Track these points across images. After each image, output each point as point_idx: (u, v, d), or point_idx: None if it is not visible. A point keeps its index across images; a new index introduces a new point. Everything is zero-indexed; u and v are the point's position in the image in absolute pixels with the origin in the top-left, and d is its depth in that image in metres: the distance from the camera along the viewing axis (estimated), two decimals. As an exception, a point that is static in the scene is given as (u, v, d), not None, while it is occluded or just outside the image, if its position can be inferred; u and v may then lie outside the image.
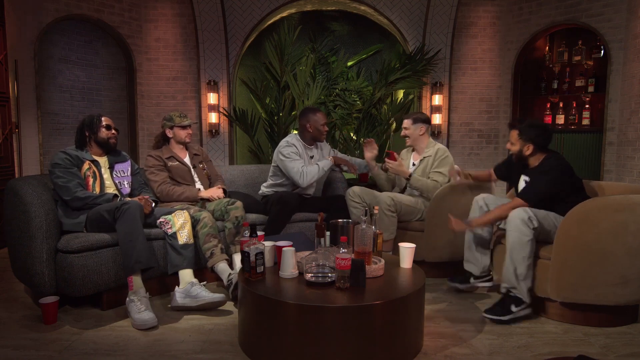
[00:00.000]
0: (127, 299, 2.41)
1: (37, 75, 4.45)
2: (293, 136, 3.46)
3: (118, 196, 2.70)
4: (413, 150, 3.41)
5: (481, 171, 3.09)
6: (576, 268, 2.33)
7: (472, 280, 2.83)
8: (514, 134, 2.61)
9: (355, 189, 3.24)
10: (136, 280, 2.43)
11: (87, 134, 2.77)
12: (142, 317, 2.31)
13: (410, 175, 3.17)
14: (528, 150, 2.57)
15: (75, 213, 2.59)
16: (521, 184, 2.71)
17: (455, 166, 3.08)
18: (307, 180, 3.21)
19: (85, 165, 2.70)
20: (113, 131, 2.83)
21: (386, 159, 3.26)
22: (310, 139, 3.40)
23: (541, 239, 2.49)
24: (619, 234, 2.28)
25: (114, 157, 2.88)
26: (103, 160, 2.83)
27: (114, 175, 2.83)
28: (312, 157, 3.42)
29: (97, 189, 2.70)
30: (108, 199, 2.62)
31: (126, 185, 2.88)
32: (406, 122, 3.33)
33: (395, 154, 3.28)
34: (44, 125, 4.64)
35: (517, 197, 2.55)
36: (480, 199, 2.77)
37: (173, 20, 5.42)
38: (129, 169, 2.94)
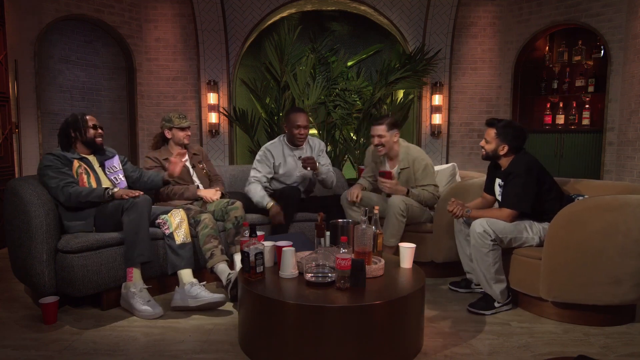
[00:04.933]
0: (124, 289, 2.48)
1: (37, 75, 4.45)
2: (278, 138, 3.46)
3: (108, 189, 2.59)
4: (385, 157, 3.21)
5: (478, 201, 2.90)
6: (567, 268, 2.34)
7: (473, 286, 2.87)
8: (491, 132, 2.62)
9: (404, 199, 3.03)
10: (136, 272, 2.50)
11: (73, 135, 2.69)
12: (148, 309, 2.41)
13: (408, 192, 3.04)
14: (503, 150, 2.60)
15: (82, 214, 2.58)
16: (496, 188, 2.73)
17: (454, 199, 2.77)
18: (247, 193, 3.28)
19: (75, 164, 2.65)
20: (99, 130, 2.77)
21: (380, 179, 3.03)
22: (289, 140, 3.38)
23: (515, 245, 2.55)
24: (609, 234, 2.28)
25: (102, 155, 2.83)
26: (92, 159, 2.77)
27: (107, 173, 2.80)
28: (299, 158, 3.35)
29: (94, 184, 2.66)
30: (99, 195, 2.55)
31: (122, 179, 2.85)
32: (380, 129, 3.05)
33: (392, 172, 3.06)
34: (44, 125, 4.64)
35: (504, 207, 2.55)
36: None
37: (173, 20, 5.42)
38: (119, 162, 2.90)
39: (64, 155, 2.64)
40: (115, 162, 2.89)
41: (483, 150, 2.68)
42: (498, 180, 2.71)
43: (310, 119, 5.31)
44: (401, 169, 3.14)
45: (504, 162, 2.64)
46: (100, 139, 2.77)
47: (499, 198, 2.69)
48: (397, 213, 2.92)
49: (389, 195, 3.13)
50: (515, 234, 2.51)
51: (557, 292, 2.38)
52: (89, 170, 2.69)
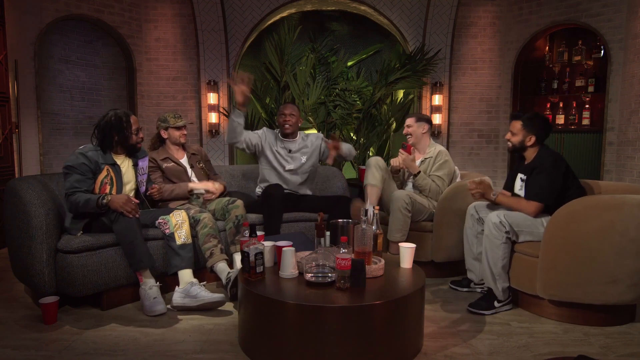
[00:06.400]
0: (140, 288, 2.55)
1: (37, 75, 4.45)
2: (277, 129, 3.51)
3: (102, 197, 2.49)
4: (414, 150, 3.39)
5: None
6: (564, 266, 2.35)
7: (473, 285, 2.88)
8: (517, 124, 2.64)
9: (409, 193, 3.07)
10: (144, 274, 2.53)
11: (115, 138, 2.66)
12: (151, 305, 2.46)
13: (418, 172, 3.15)
14: (530, 141, 2.62)
15: (80, 216, 2.56)
16: (517, 182, 2.73)
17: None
18: (228, 134, 3.20)
19: (104, 173, 2.59)
20: (141, 135, 2.77)
21: (400, 150, 3.20)
22: (281, 133, 3.42)
23: (527, 239, 2.54)
24: (607, 233, 2.29)
25: (137, 155, 2.82)
26: (125, 161, 2.74)
27: (138, 174, 2.78)
28: (290, 151, 3.39)
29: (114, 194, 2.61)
30: (92, 206, 2.47)
31: (144, 184, 2.85)
32: (409, 121, 3.34)
33: (412, 147, 3.25)
34: (44, 125, 4.64)
35: (530, 200, 2.54)
36: (472, 207, 2.81)
37: (173, 20, 5.42)
38: (147, 166, 2.90)
39: (96, 160, 2.57)
40: (145, 163, 2.87)
41: (509, 143, 2.70)
42: (520, 175, 2.71)
43: (310, 118, 5.32)
44: (425, 158, 3.28)
45: (530, 154, 2.65)
46: (141, 144, 2.78)
47: (519, 193, 2.69)
48: (401, 207, 2.96)
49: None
50: (531, 228, 2.52)
51: (553, 290, 2.39)
52: (114, 180, 2.63)
